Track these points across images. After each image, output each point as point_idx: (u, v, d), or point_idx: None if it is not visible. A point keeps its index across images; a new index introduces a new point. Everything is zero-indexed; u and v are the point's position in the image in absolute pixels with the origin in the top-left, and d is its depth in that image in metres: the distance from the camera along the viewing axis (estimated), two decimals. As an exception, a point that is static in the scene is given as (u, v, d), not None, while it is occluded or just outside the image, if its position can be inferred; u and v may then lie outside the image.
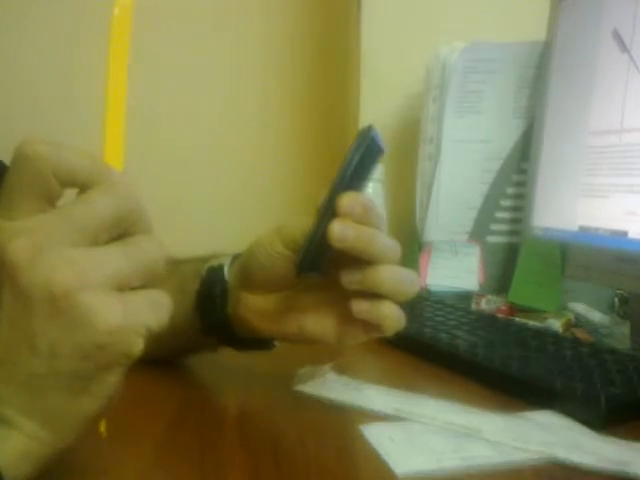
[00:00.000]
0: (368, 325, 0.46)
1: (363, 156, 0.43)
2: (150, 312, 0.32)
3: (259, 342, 0.55)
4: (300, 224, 0.45)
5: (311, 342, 0.50)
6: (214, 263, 0.55)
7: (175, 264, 0.59)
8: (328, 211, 0.43)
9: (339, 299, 0.47)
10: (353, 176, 0.43)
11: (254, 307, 0.51)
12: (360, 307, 0.45)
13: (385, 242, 0.44)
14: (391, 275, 0.44)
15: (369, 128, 0.43)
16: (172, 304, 0.33)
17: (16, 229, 0.31)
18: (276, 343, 0.55)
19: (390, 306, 0.45)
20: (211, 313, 0.54)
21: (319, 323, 0.49)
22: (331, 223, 0.42)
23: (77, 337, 0.30)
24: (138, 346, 0.31)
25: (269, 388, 0.56)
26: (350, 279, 0.44)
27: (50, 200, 0.32)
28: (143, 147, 1.16)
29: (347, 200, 0.43)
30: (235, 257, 0.54)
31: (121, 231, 0.33)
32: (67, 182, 0.32)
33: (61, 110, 1.14)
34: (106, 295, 0.30)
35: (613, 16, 0.74)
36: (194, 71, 1.20)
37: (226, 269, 0.54)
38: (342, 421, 0.49)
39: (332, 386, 0.54)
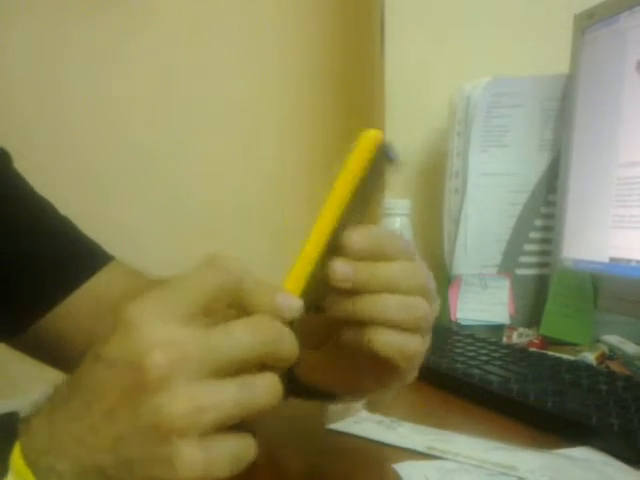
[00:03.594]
0: (379, 370, 0.42)
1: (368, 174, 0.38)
2: (229, 464, 0.32)
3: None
4: None
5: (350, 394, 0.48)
6: None
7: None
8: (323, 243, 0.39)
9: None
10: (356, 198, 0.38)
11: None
12: (345, 334, 0.40)
13: (392, 271, 0.39)
14: (376, 298, 0.39)
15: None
16: (255, 452, 0.34)
17: (162, 339, 0.32)
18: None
19: (380, 329, 0.39)
20: None
21: (339, 377, 0.46)
22: (332, 262, 0.38)
23: (154, 470, 0.31)
24: None
25: (301, 426, 0.56)
26: (337, 306, 0.40)
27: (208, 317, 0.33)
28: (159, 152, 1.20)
29: (356, 238, 0.38)
30: None
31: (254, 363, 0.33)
32: (235, 307, 0.34)
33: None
34: (199, 446, 0.31)
35: (636, 48, 0.74)
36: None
37: None
38: (375, 460, 0.49)
39: (365, 424, 0.54)
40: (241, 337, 0.33)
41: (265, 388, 0.33)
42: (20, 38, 1.15)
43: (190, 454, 0.31)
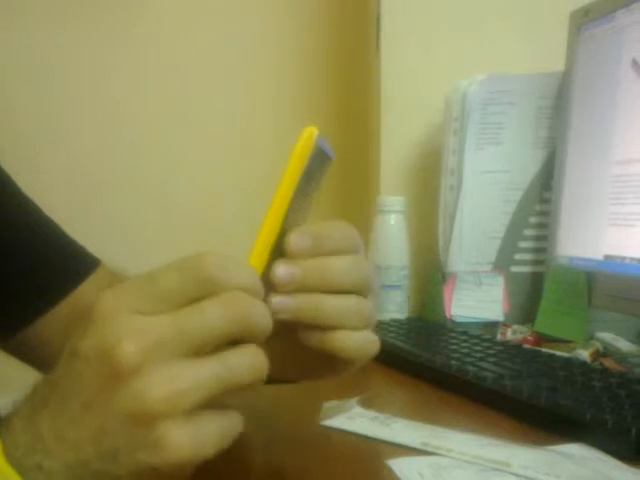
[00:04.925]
0: (335, 360, 0.41)
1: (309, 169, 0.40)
2: (217, 441, 0.32)
3: None
4: None
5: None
6: None
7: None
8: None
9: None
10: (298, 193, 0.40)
11: None
12: (309, 337, 0.40)
13: (336, 269, 0.39)
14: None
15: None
16: (242, 426, 0.34)
17: (132, 327, 0.32)
18: None
19: (345, 334, 0.39)
20: None
21: (297, 364, 0.46)
22: (275, 266, 0.38)
23: (140, 455, 0.31)
24: (189, 472, 0.32)
25: (295, 423, 0.56)
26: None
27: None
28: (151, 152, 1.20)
29: (294, 242, 0.39)
30: None
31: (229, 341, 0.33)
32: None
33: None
34: (184, 426, 0.31)
35: (632, 46, 0.74)
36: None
37: None
38: (370, 456, 0.49)
39: (359, 420, 0.54)
40: (213, 314, 0.32)
41: (247, 361, 0.33)
42: (14, 38, 1.14)
43: (177, 435, 0.31)
